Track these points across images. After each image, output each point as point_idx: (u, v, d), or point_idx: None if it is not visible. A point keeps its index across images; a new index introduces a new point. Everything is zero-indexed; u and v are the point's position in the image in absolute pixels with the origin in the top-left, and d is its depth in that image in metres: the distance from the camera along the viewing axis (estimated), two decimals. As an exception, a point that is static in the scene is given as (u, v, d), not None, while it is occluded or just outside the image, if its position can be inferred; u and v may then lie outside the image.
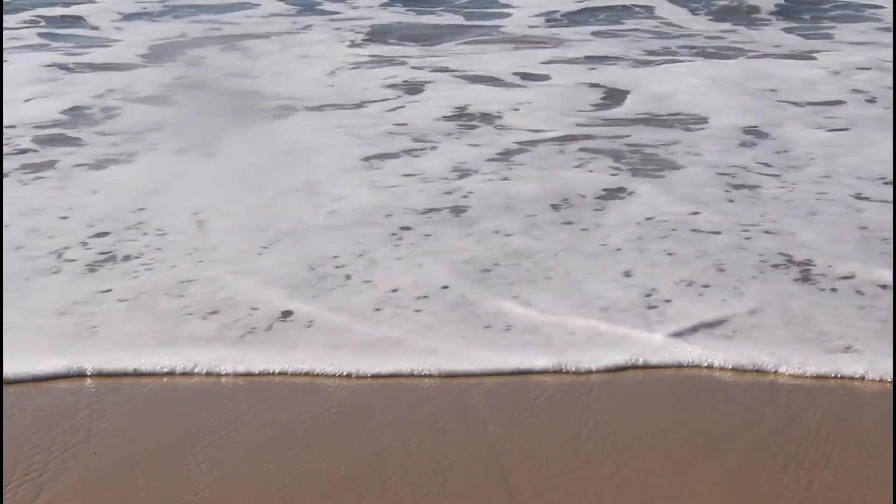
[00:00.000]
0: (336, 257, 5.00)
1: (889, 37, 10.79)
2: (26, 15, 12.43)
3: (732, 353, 4.01)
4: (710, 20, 12.09)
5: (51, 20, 12.32)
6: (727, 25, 11.79)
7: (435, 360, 4.00)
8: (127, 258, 5.03)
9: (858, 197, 5.78)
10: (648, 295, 4.54)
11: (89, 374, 3.95)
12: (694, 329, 4.21)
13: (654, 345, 4.10)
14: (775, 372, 3.92)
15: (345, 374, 3.94)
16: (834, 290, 4.58)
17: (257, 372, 3.96)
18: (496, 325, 4.30)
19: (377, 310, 4.44)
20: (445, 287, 4.64)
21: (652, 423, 3.61)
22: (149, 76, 9.30)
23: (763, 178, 6.14)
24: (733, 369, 3.95)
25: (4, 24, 11.59)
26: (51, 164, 6.59)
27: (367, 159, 6.63)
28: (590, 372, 3.93)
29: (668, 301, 4.48)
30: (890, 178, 6.08)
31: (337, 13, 12.77)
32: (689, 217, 5.49)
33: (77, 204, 5.81)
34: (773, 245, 5.08)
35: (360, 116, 7.80)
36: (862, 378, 3.87)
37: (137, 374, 3.96)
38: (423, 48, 10.64)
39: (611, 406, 3.72)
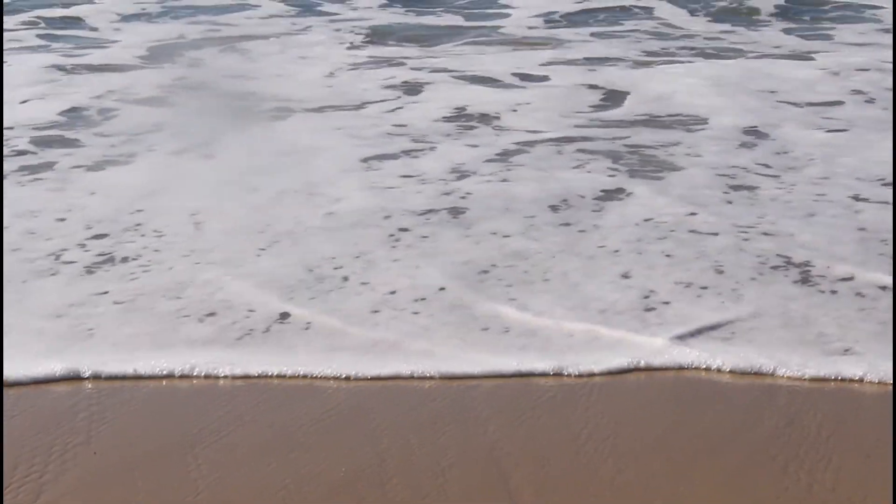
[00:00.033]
0: (334, 259, 4.99)
1: (889, 38, 10.78)
2: (25, 16, 12.42)
3: (731, 355, 4.00)
4: (710, 21, 12.08)
5: (50, 21, 12.31)
6: (726, 26, 11.79)
7: (433, 362, 3.99)
8: (125, 260, 5.02)
9: (857, 198, 5.78)
10: (647, 297, 4.53)
11: (86, 377, 3.94)
12: (692, 331, 4.20)
13: (653, 347, 4.09)
14: (773, 374, 3.91)
15: (343, 376, 3.93)
16: (833, 291, 4.57)
17: (255, 374, 3.95)
18: (494, 327, 4.29)
19: (375, 312, 4.43)
20: (443, 289, 4.63)
21: (652, 425, 3.61)
22: (147, 77, 9.29)
23: (762, 179, 6.13)
24: (732, 372, 3.94)
25: (3, 25, 11.58)
26: (49, 166, 6.58)
27: (365, 160, 6.63)
28: (590, 375, 3.92)
29: (666, 303, 4.47)
30: (888, 179, 6.08)
31: (336, 14, 12.76)
32: (688, 218, 5.48)
33: (75, 205, 5.80)
34: (772, 246, 5.07)
35: (359, 117, 7.80)
36: (861, 380, 3.86)
37: (136, 377, 3.95)
38: (422, 49, 10.64)
39: (611, 408, 3.71)
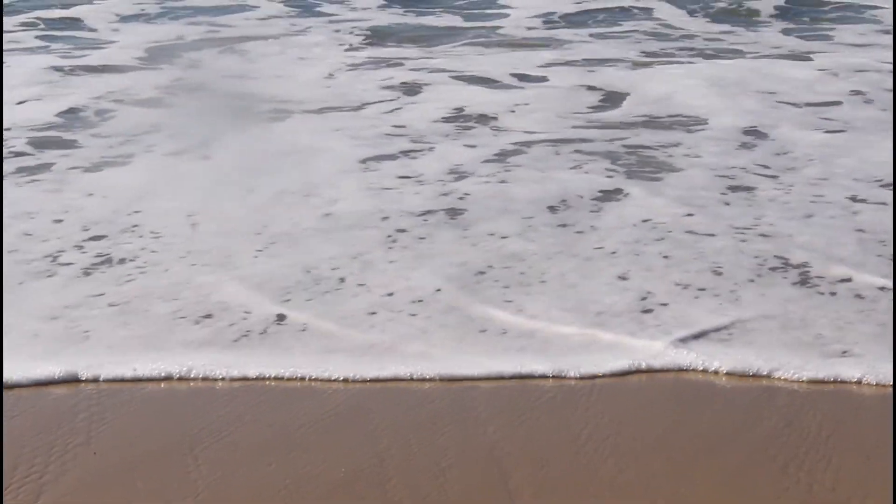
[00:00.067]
0: (331, 260, 4.98)
1: (888, 38, 10.78)
2: (24, 17, 12.41)
3: (729, 357, 3.99)
4: (709, 22, 12.07)
5: (49, 22, 12.30)
6: (726, 27, 11.78)
7: (431, 364, 3.99)
8: (122, 261, 5.01)
9: (855, 199, 5.77)
10: (644, 298, 4.52)
11: (84, 379, 3.93)
12: (689, 333, 4.19)
13: (650, 349, 4.08)
14: (770, 376, 3.90)
15: (341, 378, 3.93)
16: (832, 293, 4.56)
17: (253, 377, 3.95)
18: (492, 329, 4.29)
19: (372, 314, 4.42)
20: (440, 291, 4.62)
21: (652, 425, 3.60)
22: (145, 78, 9.28)
23: (760, 180, 6.13)
24: (729, 374, 3.93)
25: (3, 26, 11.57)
26: (46, 167, 6.57)
27: (363, 161, 6.62)
28: (588, 377, 3.92)
29: (664, 305, 4.46)
30: (887, 179, 6.07)
31: (335, 15, 12.75)
32: (686, 219, 5.47)
33: (72, 207, 5.79)
34: (770, 248, 5.07)
35: (358, 118, 7.79)
36: (859, 382, 3.85)
37: (134, 379, 3.94)
38: (421, 49, 10.63)
39: (610, 409, 3.71)
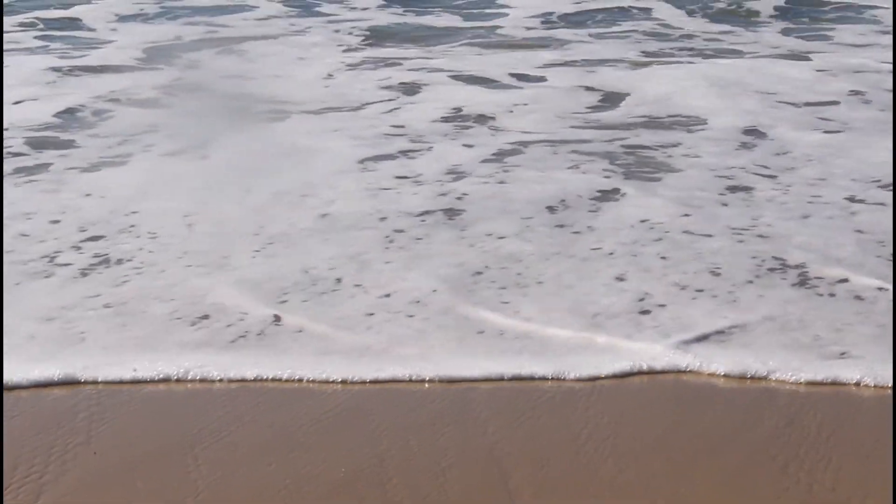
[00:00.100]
0: (329, 260, 4.97)
1: (888, 39, 10.78)
2: (23, 17, 12.40)
3: (727, 359, 3.99)
4: (708, 22, 12.07)
5: (48, 22, 12.29)
6: (725, 27, 11.78)
7: (430, 365, 3.98)
8: (119, 262, 5.00)
9: (853, 200, 5.77)
10: (642, 299, 4.52)
11: (81, 381, 3.92)
12: (687, 334, 4.18)
13: (649, 351, 4.07)
14: (768, 378, 3.90)
15: (339, 380, 3.92)
16: (831, 294, 4.56)
17: (251, 378, 3.94)
18: (489, 330, 4.28)
19: (369, 315, 4.41)
20: (437, 292, 4.61)
21: (651, 426, 3.60)
22: (144, 79, 9.28)
23: (759, 181, 6.12)
24: (726, 376, 3.92)
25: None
26: (44, 167, 6.56)
27: (362, 161, 6.61)
28: (586, 379, 3.91)
29: (661, 306, 4.46)
30: (885, 180, 6.07)
31: (334, 15, 12.74)
32: (684, 220, 5.47)
33: (69, 207, 5.79)
34: (768, 248, 5.06)
35: (357, 118, 7.79)
36: (858, 384, 3.84)
37: (132, 381, 3.93)
38: (420, 49, 10.63)
39: (610, 409, 3.70)
